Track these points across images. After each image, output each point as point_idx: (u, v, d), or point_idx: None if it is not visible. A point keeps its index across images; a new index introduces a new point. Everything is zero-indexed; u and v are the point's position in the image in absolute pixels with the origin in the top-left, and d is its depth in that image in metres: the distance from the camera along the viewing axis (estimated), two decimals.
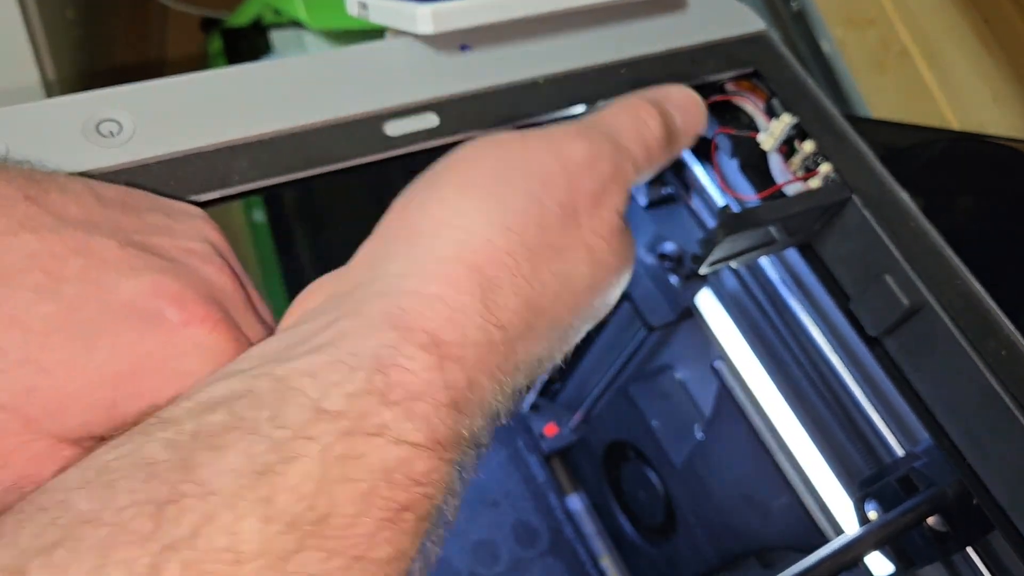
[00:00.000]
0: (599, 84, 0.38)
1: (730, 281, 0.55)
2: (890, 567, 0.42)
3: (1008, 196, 0.48)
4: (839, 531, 0.52)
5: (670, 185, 0.52)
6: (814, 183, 0.40)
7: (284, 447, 0.20)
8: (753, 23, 0.44)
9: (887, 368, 0.39)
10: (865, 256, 0.39)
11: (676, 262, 0.61)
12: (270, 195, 0.82)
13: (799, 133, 0.41)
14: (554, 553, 0.74)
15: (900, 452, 0.44)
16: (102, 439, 0.23)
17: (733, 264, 0.41)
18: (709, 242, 0.36)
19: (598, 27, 0.40)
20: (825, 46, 0.70)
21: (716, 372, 0.58)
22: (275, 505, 0.19)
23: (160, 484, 0.19)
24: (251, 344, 0.26)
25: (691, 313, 0.60)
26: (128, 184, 0.29)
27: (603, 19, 0.40)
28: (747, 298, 0.53)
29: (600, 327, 0.70)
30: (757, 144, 0.41)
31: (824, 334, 0.46)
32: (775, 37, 0.44)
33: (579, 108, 0.37)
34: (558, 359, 0.29)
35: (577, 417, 0.77)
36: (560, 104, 0.37)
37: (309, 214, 0.80)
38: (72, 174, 0.28)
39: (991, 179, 0.49)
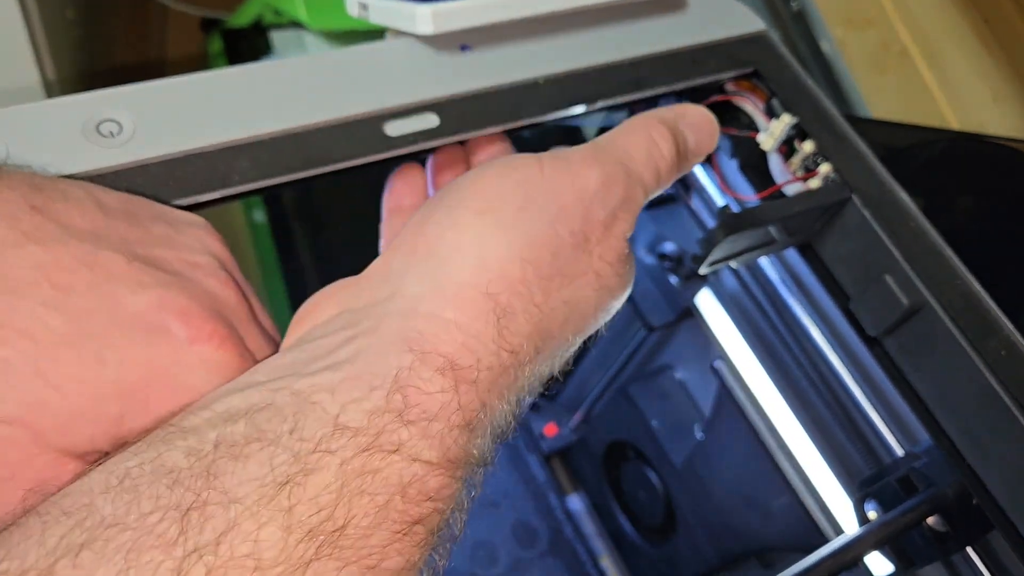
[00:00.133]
0: (599, 84, 0.38)
1: (730, 281, 0.55)
2: (890, 567, 0.42)
3: (1008, 196, 0.48)
4: (839, 531, 0.52)
5: (670, 185, 0.52)
6: (814, 183, 0.40)
7: (305, 459, 0.21)
8: (753, 23, 0.44)
9: (887, 368, 0.39)
10: (865, 256, 0.39)
11: (676, 262, 0.61)
12: (270, 195, 0.82)
13: (799, 133, 0.41)
14: (554, 553, 0.74)
15: (900, 452, 0.44)
16: (106, 454, 0.23)
17: (733, 264, 0.41)
18: (709, 242, 0.36)
19: (598, 27, 0.40)
20: (825, 46, 0.70)
21: (716, 372, 0.59)
22: (295, 515, 0.20)
23: (184, 491, 0.20)
24: (254, 357, 0.26)
25: (691, 313, 0.60)
26: (129, 184, 0.29)
27: (603, 19, 0.40)
28: (747, 298, 0.53)
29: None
30: (757, 144, 0.42)
31: (824, 334, 0.46)
32: (775, 37, 0.44)
33: (579, 108, 0.37)
34: (556, 373, 0.29)
35: (577, 417, 0.77)
36: (560, 104, 0.37)
37: (309, 214, 0.80)
38: (73, 175, 0.28)
39: (991, 179, 0.49)
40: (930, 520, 0.39)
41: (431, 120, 0.34)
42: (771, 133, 0.41)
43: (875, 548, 0.39)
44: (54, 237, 0.24)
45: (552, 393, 0.79)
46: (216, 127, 0.31)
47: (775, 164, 0.42)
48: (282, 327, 0.28)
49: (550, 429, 0.78)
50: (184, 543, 0.19)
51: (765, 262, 0.49)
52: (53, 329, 0.22)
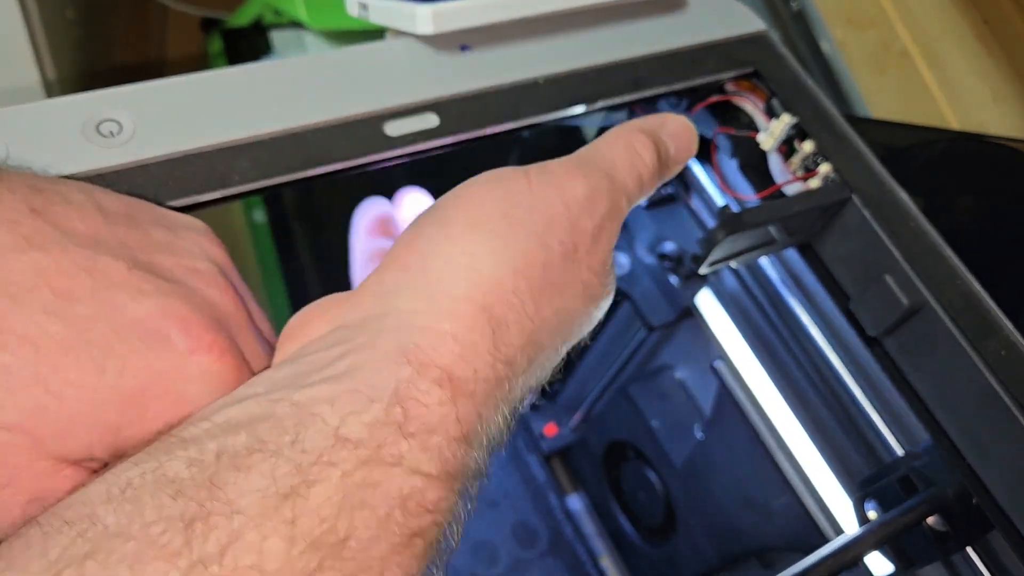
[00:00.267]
0: (599, 84, 0.38)
1: (730, 281, 0.55)
2: (890, 567, 0.42)
3: (1008, 196, 0.48)
4: (839, 531, 0.52)
5: (670, 185, 0.52)
6: (814, 183, 0.40)
7: (307, 471, 0.21)
8: (753, 23, 0.44)
9: (887, 368, 0.39)
10: (865, 256, 0.39)
11: (676, 262, 0.61)
12: (270, 195, 0.82)
13: (799, 133, 0.41)
14: (554, 553, 0.74)
15: (900, 452, 0.44)
16: (104, 464, 0.23)
17: (733, 264, 0.41)
18: (709, 242, 0.36)
19: (598, 27, 0.40)
20: (825, 46, 0.70)
21: (716, 372, 0.59)
22: (298, 526, 0.20)
23: (187, 501, 0.20)
24: (251, 365, 0.26)
25: (691, 313, 0.60)
26: (129, 185, 0.29)
27: (603, 19, 0.40)
28: (747, 298, 0.53)
29: (600, 327, 0.70)
30: (757, 144, 0.42)
31: (824, 334, 0.46)
32: (775, 37, 0.44)
33: (579, 108, 0.37)
34: (544, 383, 0.30)
35: (577, 417, 0.77)
36: (560, 104, 0.37)
37: (309, 214, 0.80)
38: (73, 175, 0.28)
39: (991, 179, 0.49)
40: (930, 520, 0.39)
41: (431, 120, 0.34)
42: (771, 133, 0.41)
43: (875, 548, 0.39)
44: (55, 242, 0.23)
45: (552, 393, 0.79)
46: (216, 127, 0.31)
47: (775, 164, 0.42)
48: (282, 327, 0.28)
49: (550, 429, 0.78)
50: (189, 554, 0.19)
51: (765, 262, 0.49)
52: (53, 335, 0.22)
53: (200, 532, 0.19)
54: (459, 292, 0.25)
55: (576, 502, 0.78)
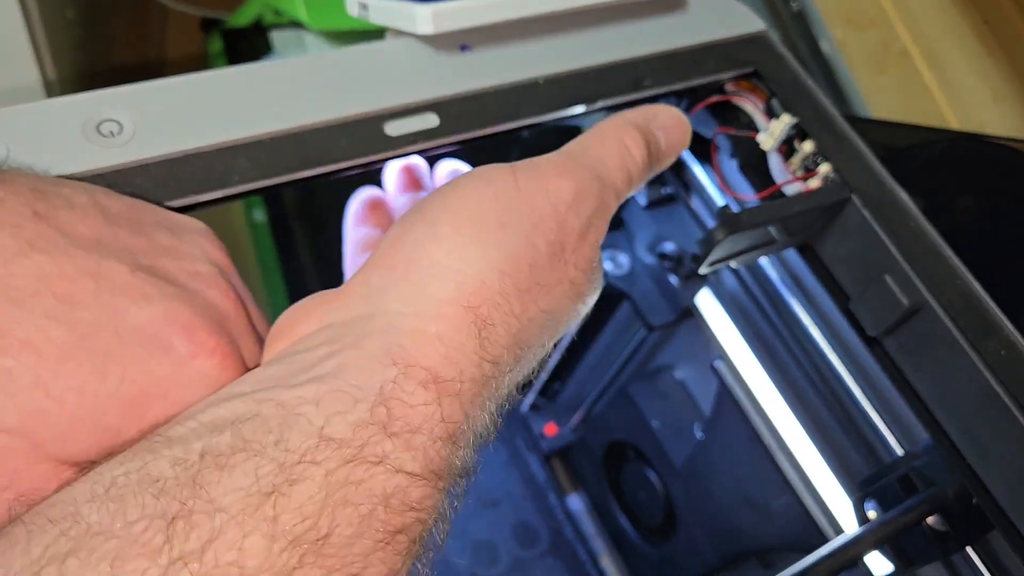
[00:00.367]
0: (599, 84, 0.38)
1: (730, 281, 0.55)
2: (890, 567, 0.42)
3: (1008, 196, 0.48)
4: (839, 531, 0.52)
5: (670, 185, 0.52)
6: (814, 183, 0.40)
7: (290, 470, 0.21)
8: (753, 23, 0.44)
9: (887, 368, 0.39)
10: (865, 256, 0.39)
11: (676, 262, 0.61)
12: (270, 195, 0.82)
13: (799, 133, 0.41)
14: (554, 553, 0.75)
15: (899, 452, 0.44)
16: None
17: (733, 264, 0.41)
18: (709, 242, 0.36)
19: (598, 27, 0.40)
20: (825, 46, 0.70)
21: (716, 372, 0.59)
22: (280, 524, 0.20)
23: (170, 500, 0.20)
24: (249, 368, 0.26)
25: (691, 313, 0.60)
26: (129, 184, 0.29)
27: (603, 19, 0.40)
28: (747, 298, 0.53)
29: (600, 327, 0.70)
30: (757, 144, 0.42)
31: (824, 334, 0.47)
32: (775, 37, 0.44)
33: (579, 108, 0.37)
34: (531, 377, 0.30)
35: (577, 417, 0.77)
36: (560, 104, 0.37)
37: (309, 214, 0.80)
38: (73, 175, 0.28)
39: (991, 179, 0.49)
40: (930, 520, 0.39)
41: (431, 120, 0.34)
42: (771, 133, 0.41)
43: (875, 548, 0.39)
44: (58, 246, 0.24)
45: (552, 393, 0.79)
46: (216, 127, 0.31)
47: (775, 164, 0.42)
48: None
49: (550, 429, 0.78)
50: (169, 551, 0.19)
51: (765, 262, 0.49)
52: (55, 340, 0.22)
53: (182, 530, 0.19)
54: (445, 294, 0.25)
55: (576, 502, 0.78)
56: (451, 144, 0.35)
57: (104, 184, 0.28)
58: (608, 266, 0.62)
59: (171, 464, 0.21)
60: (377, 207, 0.36)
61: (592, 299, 0.30)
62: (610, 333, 0.69)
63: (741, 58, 0.42)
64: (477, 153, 0.37)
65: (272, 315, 0.30)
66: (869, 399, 0.46)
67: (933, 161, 0.51)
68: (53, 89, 0.61)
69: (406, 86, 0.35)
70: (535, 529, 0.75)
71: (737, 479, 0.61)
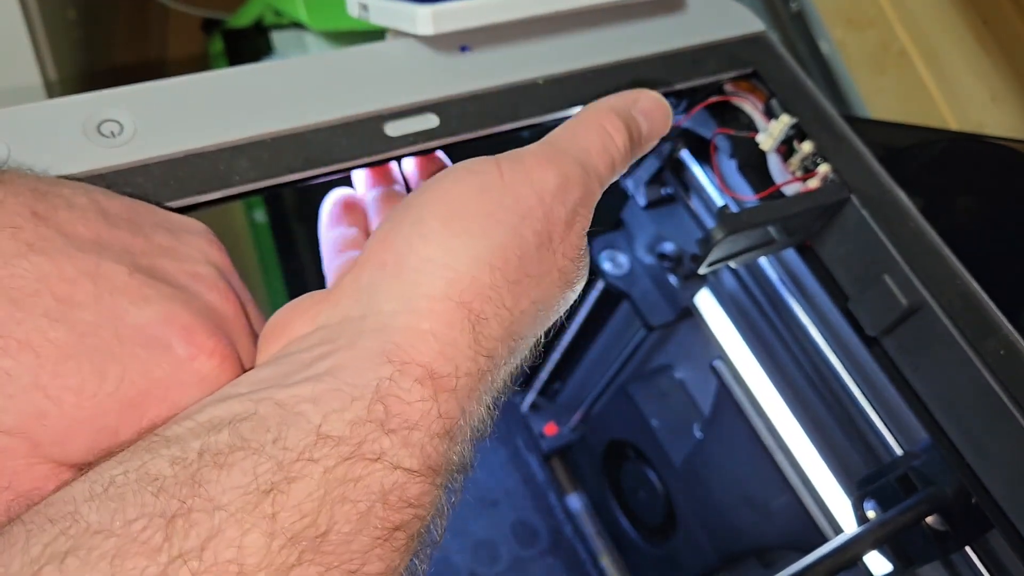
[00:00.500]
0: (599, 84, 0.38)
1: (729, 281, 0.55)
2: (889, 566, 0.42)
3: (1006, 196, 0.48)
4: (838, 530, 0.52)
5: (669, 185, 0.52)
6: (813, 183, 0.40)
7: (288, 468, 0.21)
8: (752, 24, 0.44)
9: (886, 368, 0.39)
10: (864, 256, 0.39)
11: (675, 262, 0.61)
12: (271, 195, 0.82)
13: (798, 133, 0.41)
14: (554, 552, 0.75)
15: (899, 451, 0.45)
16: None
17: (732, 264, 0.41)
18: (708, 242, 0.36)
19: (598, 28, 0.40)
20: (824, 47, 0.70)
21: (715, 371, 0.59)
22: (279, 522, 0.20)
23: (169, 499, 0.20)
24: (247, 369, 0.26)
25: (690, 313, 0.60)
26: (130, 185, 0.29)
27: (603, 20, 0.40)
28: (746, 298, 0.53)
29: (600, 327, 0.70)
30: (756, 144, 0.42)
31: (823, 334, 0.47)
32: (774, 38, 0.44)
33: (579, 108, 0.38)
34: (524, 367, 0.30)
35: (577, 416, 0.77)
36: (560, 104, 0.37)
37: (310, 214, 0.80)
38: (74, 175, 0.28)
39: (990, 179, 0.49)
40: (929, 519, 0.39)
41: (431, 120, 0.34)
42: (770, 133, 0.41)
43: (874, 547, 0.39)
44: (57, 247, 0.24)
45: (552, 393, 0.79)
46: (217, 127, 0.31)
47: (774, 164, 0.42)
48: None
49: (550, 428, 0.78)
50: (169, 549, 0.19)
51: (764, 262, 0.49)
52: (54, 341, 0.23)
53: (181, 528, 0.19)
54: (436, 290, 0.26)
55: (576, 501, 0.78)
56: (451, 144, 0.35)
57: (104, 184, 0.28)
58: (608, 266, 0.62)
59: (170, 463, 0.21)
60: (350, 207, 0.36)
61: (580, 287, 0.30)
62: (610, 333, 0.69)
63: (740, 59, 0.42)
64: (477, 154, 0.37)
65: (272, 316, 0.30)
66: (868, 399, 0.46)
67: (932, 161, 0.51)
68: (54, 89, 0.61)
69: (406, 86, 0.35)
70: (535, 528, 0.75)
71: (736, 478, 0.61)
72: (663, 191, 0.53)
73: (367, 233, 0.36)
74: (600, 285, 0.64)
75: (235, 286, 0.28)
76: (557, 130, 0.32)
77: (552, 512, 0.77)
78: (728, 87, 0.43)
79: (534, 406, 0.79)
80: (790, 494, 0.55)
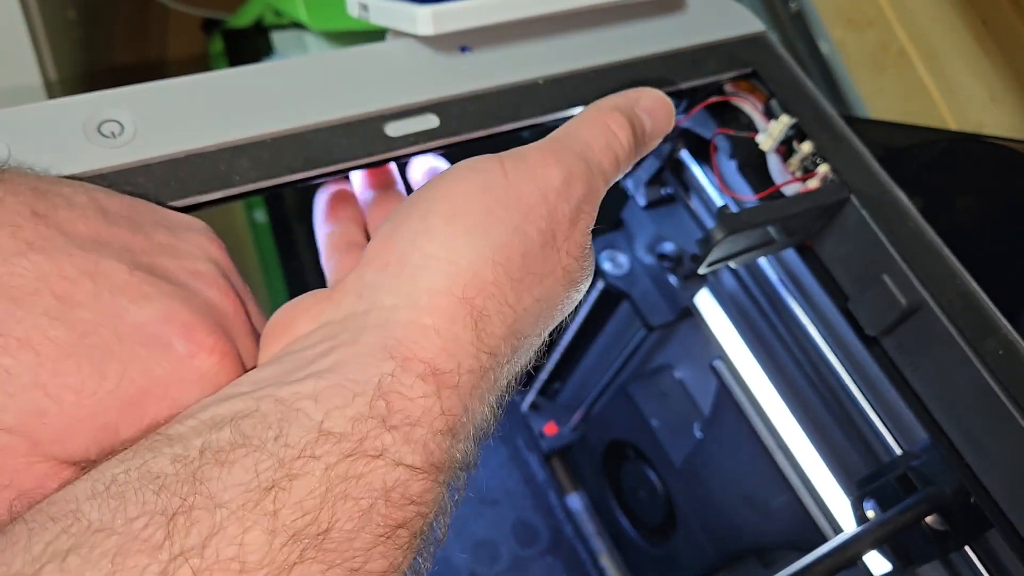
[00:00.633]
0: (599, 85, 0.38)
1: (729, 281, 0.55)
2: (888, 566, 0.42)
3: (1006, 196, 0.48)
4: (838, 530, 0.52)
5: (669, 185, 0.52)
6: (812, 184, 0.40)
7: (290, 465, 0.21)
8: (752, 24, 0.44)
9: (885, 367, 0.39)
10: (863, 256, 0.39)
11: (675, 262, 0.61)
12: (271, 195, 0.82)
13: (798, 134, 0.41)
14: (554, 552, 0.75)
15: (898, 451, 0.45)
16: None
17: (732, 264, 0.41)
18: (708, 242, 0.37)
19: (598, 28, 0.40)
20: (824, 47, 0.70)
21: (715, 371, 0.59)
22: (280, 519, 0.20)
23: (170, 496, 0.20)
24: (247, 367, 0.26)
25: (690, 313, 0.60)
26: (130, 185, 0.29)
27: (602, 20, 0.40)
28: (746, 298, 0.54)
29: (600, 327, 0.70)
30: (756, 145, 0.42)
31: (822, 334, 0.47)
32: (774, 38, 0.44)
33: (579, 108, 0.38)
34: (528, 368, 0.30)
35: (577, 416, 0.77)
36: (560, 104, 0.37)
37: (310, 214, 0.80)
38: (74, 176, 0.28)
39: (989, 179, 0.49)
40: (928, 519, 0.39)
41: (431, 121, 0.35)
42: (770, 134, 0.41)
43: (874, 547, 0.39)
44: (57, 246, 0.24)
45: (552, 393, 0.79)
46: (217, 127, 0.31)
47: (774, 165, 0.42)
48: None
49: (550, 428, 0.78)
50: (170, 547, 0.19)
51: (764, 262, 0.49)
52: (54, 339, 0.23)
53: (182, 526, 0.19)
54: (439, 286, 0.26)
55: (576, 501, 0.78)
56: (451, 145, 0.35)
57: (105, 184, 0.28)
58: (608, 266, 0.62)
59: (171, 461, 0.21)
60: (342, 200, 0.36)
61: (585, 286, 0.30)
62: (610, 333, 0.69)
63: (740, 59, 0.42)
64: (477, 154, 0.37)
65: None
66: (868, 398, 0.46)
67: (931, 161, 0.51)
68: (54, 90, 0.61)
69: (406, 87, 0.35)
70: (535, 528, 0.75)
71: (736, 478, 0.61)
72: (663, 191, 0.53)
73: (361, 226, 0.36)
74: (600, 285, 0.64)
75: (235, 284, 0.28)
76: (561, 128, 0.31)
77: (552, 512, 0.77)
78: (728, 87, 0.43)
79: (534, 406, 0.79)
80: (790, 494, 0.55)
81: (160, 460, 0.21)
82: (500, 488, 0.76)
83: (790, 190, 0.41)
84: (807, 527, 0.54)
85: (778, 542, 0.59)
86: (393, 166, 0.38)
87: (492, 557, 0.73)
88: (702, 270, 0.39)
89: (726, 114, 0.43)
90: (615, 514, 0.74)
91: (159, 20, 0.92)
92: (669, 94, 0.41)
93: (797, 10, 0.71)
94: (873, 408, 0.45)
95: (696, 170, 0.48)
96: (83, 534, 0.19)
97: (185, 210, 0.30)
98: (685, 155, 0.48)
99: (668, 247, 0.61)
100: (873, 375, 0.45)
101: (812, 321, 0.47)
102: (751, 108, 0.42)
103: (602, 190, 0.31)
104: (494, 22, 0.36)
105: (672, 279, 0.61)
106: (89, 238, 0.25)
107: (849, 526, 0.49)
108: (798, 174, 0.41)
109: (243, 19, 0.76)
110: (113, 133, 0.30)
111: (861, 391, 0.46)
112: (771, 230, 0.40)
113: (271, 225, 0.86)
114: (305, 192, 0.80)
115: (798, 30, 0.71)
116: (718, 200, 0.47)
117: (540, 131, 0.37)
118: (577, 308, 0.71)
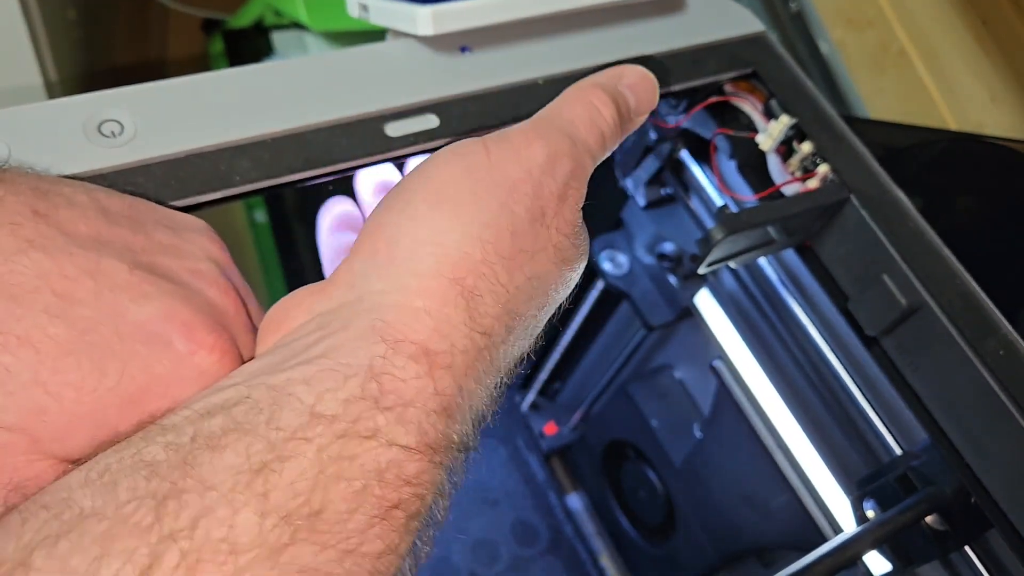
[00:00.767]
0: None
1: (729, 281, 0.55)
2: (888, 566, 0.42)
3: (1005, 196, 0.48)
4: (838, 530, 0.52)
5: (669, 185, 0.52)
6: (812, 184, 0.40)
7: (281, 447, 0.21)
8: (752, 24, 0.44)
9: (885, 368, 0.39)
10: (863, 256, 0.39)
11: (675, 262, 0.61)
12: (271, 195, 0.82)
13: (797, 134, 0.41)
14: (554, 552, 0.75)
15: (898, 451, 0.45)
16: None
17: (732, 264, 0.41)
18: (708, 242, 0.37)
19: (598, 28, 0.40)
20: (823, 47, 0.70)
21: (715, 371, 0.59)
22: (271, 501, 0.20)
23: (161, 481, 0.20)
24: None
25: (690, 313, 0.60)
26: (130, 184, 0.29)
27: (602, 20, 0.40)
28: (746, 298, 0.54)
29: (600, 327, 0.70)
30: (756, 145, 0.42)
31: (822, 334, 0.47)
32: (774, 38, 0.44)
33: None
34: (527, 352, 0.30)
35: (577, 416, 0.77)
36: None
37: (310, 214, 0.80)
38: (75, 175, 0.28)
39: (989, 179, 0.49)
40: (928, 519, 0.39)
41: (431, 121, 0.35)
42: (770, 134, 0.41)
43: (874, 547, 0.39)
44: (57, 244, 0.24)
45: (552, 393, 0.79)
46: (217, 127, 0.31)
47: (774, 165, 0.42)
48: None
49: (550, 428, 0.78)
50: (159, 529, 0.19)
51: (764, 262, 0.49)
52: (54, 337, 0.23)
53: (172, 509, 0.19)
54: (427, 269, 0.25)
55: (576, 501, 0.78)
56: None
57: (105, 184, 0.28)
58: (608, 266, 0.62)
59: (163, 448, 0.21)
60: (351, 218, 0.37)
61: (580, 265, 0.30)
62: (609, 333, 0.69)
63: (740, 59, 0.42)
64: None
65: None
66: (868, 399, 0.46)
67: (931, 161, 0.51)
68: (54, 90, 0.61)
69: (406, 87, 0.35)
70: (535, 528, 0.75)
71: (736, 478, 0.61)
72: (663, 191, 0.53)
73: None
74: (600, 285, 0.64)
75: (236, 283, 0.28)
76: (544, 108, 0.31)
77: (552, 512, 0.77)
78: (728, 87, 0.43)
79: (534, 406, 0.79)
80: (790, 494, 0.55)
81: (153, 448, 0.21)
82: (500, 488, 0.76)
83: (790, 190, 0.41)
84: (807, 527, 0.54)
85: (778, 542, 0.60)
86: (392, 167, 0.38)
87: (492, 557, 0.73)
88: (702, 270, 0.39)
89: (726, 114, 0.43)
90: (615, 514, 0.74)
91: (159, 20, 0.92)
92: (670, 94, 0.41)
93: (797, 10, 0.71)
94: (873, 408, 0.45)
95: (696, 170, 0.48)
96: (74, 520, 0.19)
97: (186, 210, 0.30)
98: (685, 155, 0.48)
99: (668, 247, 0.61)
100: (873, 375, 0.45)
101: (812, 321, 0.47)
102: (751, 108, 0.42)
103: (589, 167, 0.31)
104: (494, 22, 0.36)
105: (672, 279, 0.61)
106: (90, 237, 0.25)
107: (849, 526, 0.49)
108: (798, 174, 0.41)
109: (243, 19, 0.76)
110: (113, 133, 0.30)
111: (861, 391, 0.46)
112: (771, 230, 0.40)
113: (271, 225, 0.86)
114: (305, 192, 0.80)
115: (798, 30, 0.71)
116: (718, 200, 0.47)
117: None
118: (577, 308, 0.71)
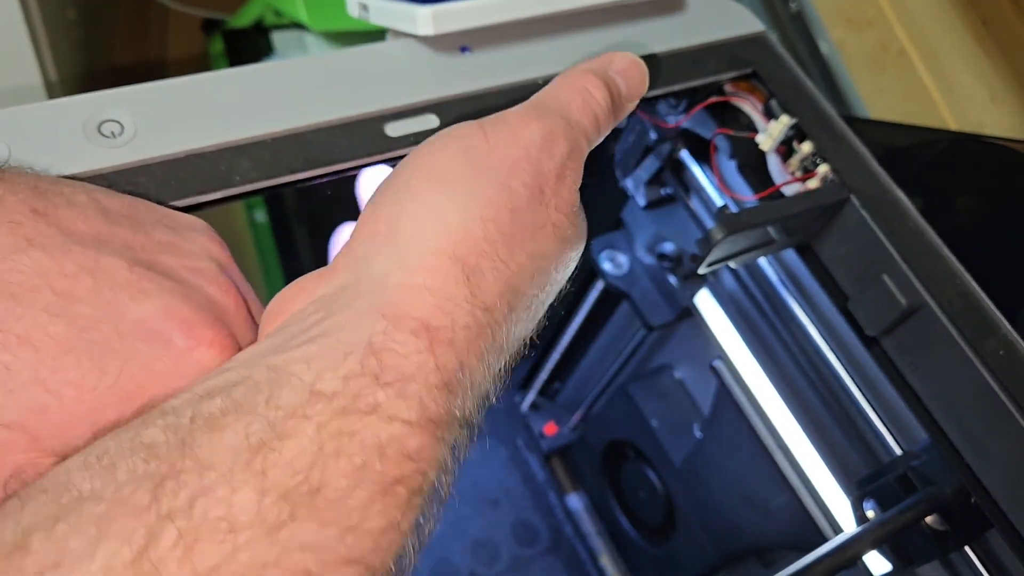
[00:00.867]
0: None
1: (729, 281, 0.55)
2: (888, 566, 0.42)
3: (1005, 196, 0.48)
4: (838, 530, 0.52)
5: (669, 186, 0.52)
6: (812, 184, 0.40)
7: (279, 425, 0.21)
8: (752, 24, 0.44)
9: (885, 368, 0.39)
10: (863, 256, 0.39)
11: (675, 262, 0.61)
12: (272, 195, 0.82)
13: (797, 134, 0.41)
14: (554, 552, 0.75)
15: (898, 451, 0.45)
16: None
17: (732, 264, 0.41)
18: (708, 242, 0.37)
19: (598, 28, 0.40)
20: (823, 47, 0.70)
21: (715, 371, 0.59)
22: (269, 479, 0.20)
23: (159, 463, 0.20)
24: None
25: (690, 313, 0.60)
26: (130, 185, 0.29)
27: (603, 20, 0.40)
28: (746, 298, 0.54)
29: (600, 327, 0.70)
30: (756, 145, 0.42)
31: (822, 334, 0.47)
32: (774, 38, 0.44)
33: None
34: (531, 335, 0.30)
35: (577, 416, 0.77)
36: None
37: (310, 214, 0.80)
38: (74, 176, 0.28)
39: (989, 179, 0.49)
40: (928, 519, 0.39)
41: (431, 121, 0.35)
42: (770, 134, 0.41)
43: (874, 547, 0.39)
44: (56, 243, 0.24)
45: (552, 393, 0.79)
46: (217, 127, 0.31)
47: (774, 165, 0.42)
48: None
49: (550, 428, 0.78)
50: (157, 509, 0.19)
51: (764, 262, 0.49)
52: (54, 336, 0.23)
53: (170, 489, 0.19)
54: (428, 246, 0.26)
55: (576, 501, 0.78)
56: None
57: (106, 184, 0.28)
58: (608, 266, 0.62)
59: (162, 430, 0.21)
60: None
61: (579, 246, 0.30)
62: (610, 333, 0.69)
63: (740, 59, 0.42)
64: None
65: None
66: (868, 399, 0.46)
67: (931, 161, 0.51)
68: (54, 90, 0.61)
69: (406, 87, 0.35)
70: (535, 528, 0.75)
71: (736, 478, 0.61)
72: (663, 191, 0.53)
73: None
74: (600, 285, 0.64)
75: (237, 281, 0.28)
76: (538, 93, 0.32)
77: (552, 512, 0.77)
78: (728, 87, 0.43)
79: (534, 406, 0.79)
80: (790, 494, 0.55)
81: (151, 431, 0.21)
82: (500, 488, 0.76)
83: (790, 190, 0.41)
84: (807, 527, 0.54)
85: (778, 542, 0.59)
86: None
87: (492, 557, 0.73)
88: (702, 270, 0.39)
89: (726, 114, 0.43)
90: (615, 514, 0.74)
91: (159, 20, 0.92)
92: (669, 94, 0.41)
93: (797, 10, 0.71)
94: (873, 408, 0.45)
95: (696, 170, 0.48)
96: (72, 503, 0.19)
97: (185, 210, 0.30)
98: (685, 155, 0.49)
99: (668, 247, 0.61)
100: (873, 375, 0.45)
101: (812, 321, 0.47)
102: (751, 108, 0.42)
103: (585, 148, 0.31)
104: (494, 22, 0.36)
105: (672, 279, 0.61)
106: (89, 236, 0.25)
107: (849, 526, 0.49)
108: (798, 174, 0.41)
109: (243, 19, 0.76)
110: (113, 133, 0.30)
111: (861, 391, 0.46)
112: (771, 230, 0.40)
113: (271, 225, 0.86)
114: (305, 192, 0.80)
115: (798, 30, 0.71)
116: (718, 200, 0.47)
117: None
118: (577, 308, 0.71)
